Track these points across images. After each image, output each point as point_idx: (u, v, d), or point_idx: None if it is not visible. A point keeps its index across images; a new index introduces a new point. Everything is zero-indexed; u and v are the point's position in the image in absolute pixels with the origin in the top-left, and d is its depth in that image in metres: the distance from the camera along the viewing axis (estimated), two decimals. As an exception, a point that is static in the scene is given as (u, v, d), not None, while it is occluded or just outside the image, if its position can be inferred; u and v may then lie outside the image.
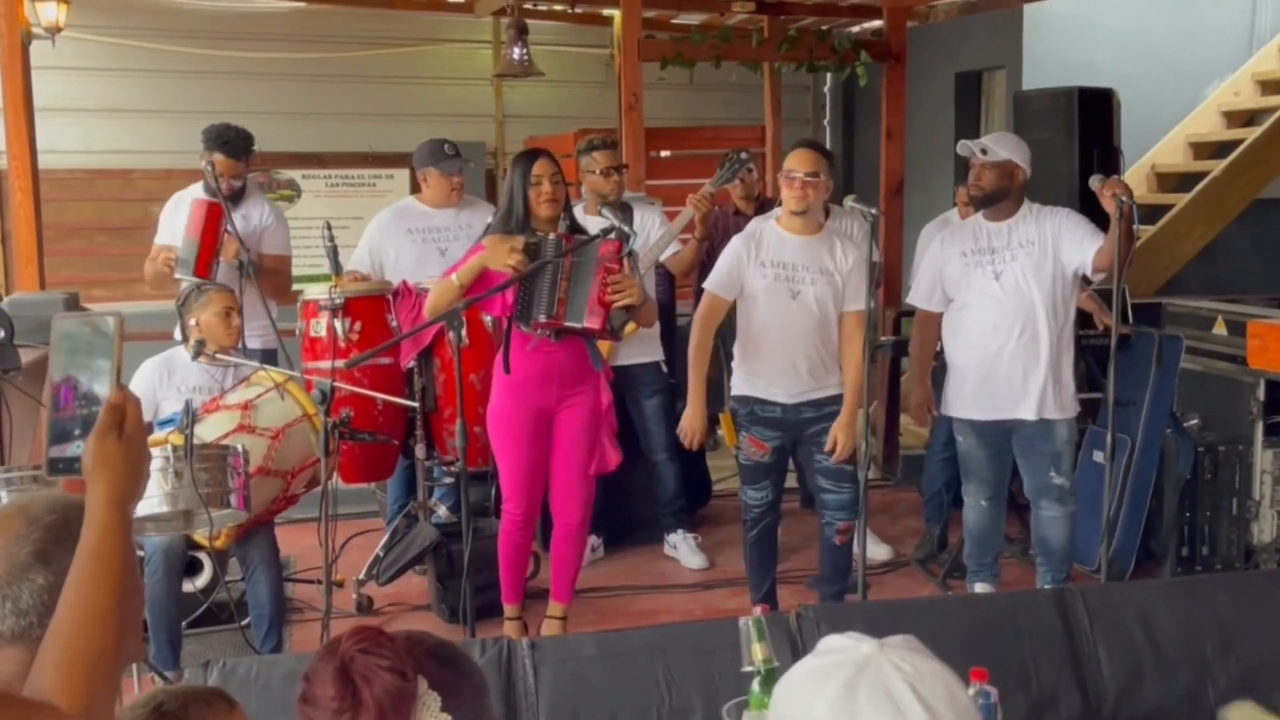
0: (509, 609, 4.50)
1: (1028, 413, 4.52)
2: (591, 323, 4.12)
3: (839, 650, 1.42)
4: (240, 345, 4.60)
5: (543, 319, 4.13)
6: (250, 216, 5.30)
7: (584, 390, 4.33)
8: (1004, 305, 4.49)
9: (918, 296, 4.73)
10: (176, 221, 5.19)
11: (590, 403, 4.34)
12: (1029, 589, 4.67)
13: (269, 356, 5.01)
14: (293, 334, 4.99)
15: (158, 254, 5.23)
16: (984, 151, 4.53)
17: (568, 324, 4.15)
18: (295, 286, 5.64)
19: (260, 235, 5.30)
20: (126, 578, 1.50)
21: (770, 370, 4.42)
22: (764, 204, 5.88)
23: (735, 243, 4.50)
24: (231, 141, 5.16)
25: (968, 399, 4.60)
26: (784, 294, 4.36)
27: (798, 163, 4.38)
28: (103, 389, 1.60)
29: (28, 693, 1.44)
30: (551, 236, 4.13)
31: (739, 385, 4.54)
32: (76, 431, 1.59)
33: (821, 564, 4.65)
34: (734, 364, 4.58)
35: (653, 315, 4.57)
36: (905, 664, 1.38)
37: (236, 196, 5.20)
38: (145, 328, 5.60)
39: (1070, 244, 4.45)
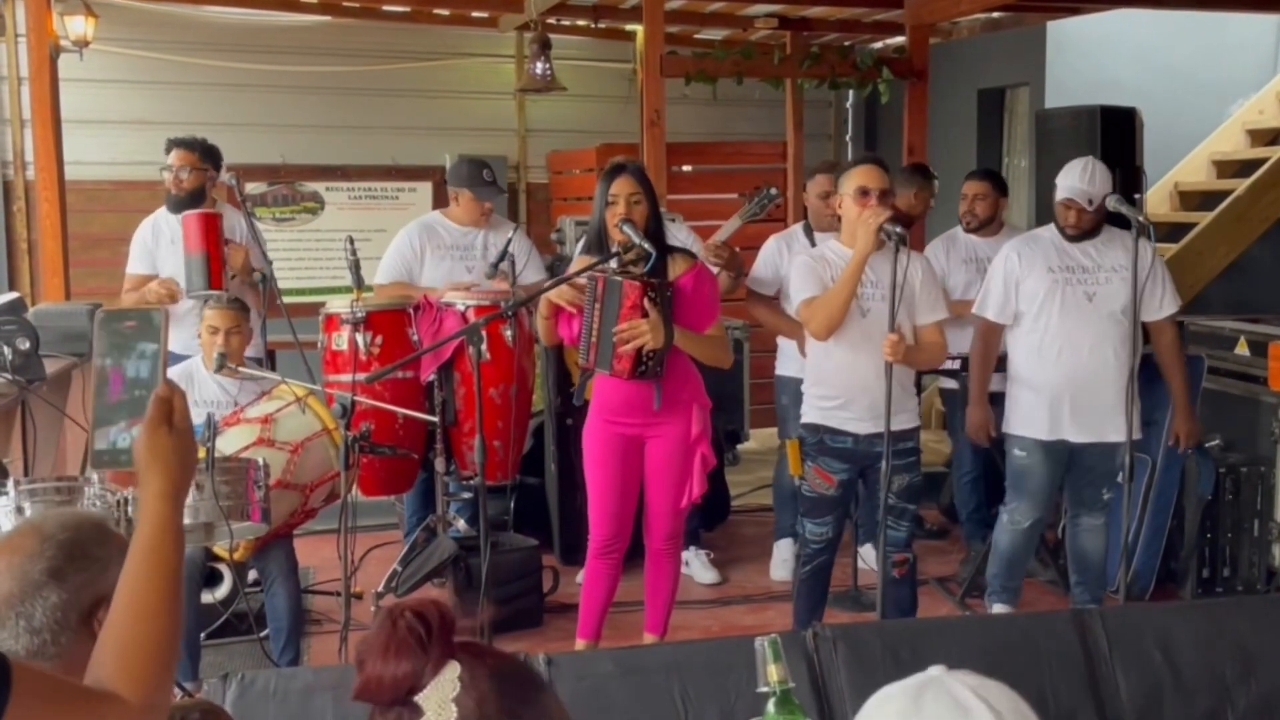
0: (581, 643, 4.34)
1: (1116, 434, 4.48)
2: (619, 368, 4.00)
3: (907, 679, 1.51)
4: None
5: (581, 363, 4.09)
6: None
7: (673, 419, 4.16)
8: (1100, 326, 4.46)
9: (988, 308, 4.63)
10: (159, 252, 5.19)
11: (679, 431, 4.17)
12: (1047, 610, 4.65)
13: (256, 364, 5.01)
14: (314, 347, 5.01)
15: (139, 284, 5.20)
16: (1090, 202, 4.48)
17: (598, 369, 4.07)
18: (317, 299, 5.67)
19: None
20: (180, 569, 1.54)
21: (842, 395, 4.27)
22: None
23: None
24: (187, 140, 5.20)
25: (1053, 421, 4.52)
26: (854, 312, 4.20)
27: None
28: (150, 379, 1.61)
29: (88, 683, 1.47)
30: (589, 275, 4.02)
31: (809, 412, 4.39)
32: (121, 420, 1.61)
33: (882, 601, 4.38)
34: (804, 388, 4.45)
35: (718, 357, 4.29)
36: (971, 679, 1.45)
37: (194, 199, 5.13)
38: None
39: (1152, 296, 4.49)
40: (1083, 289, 4.49)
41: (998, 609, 4.68)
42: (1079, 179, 4.52)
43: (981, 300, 4.69)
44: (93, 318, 5.48)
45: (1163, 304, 4.56)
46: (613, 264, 4.03)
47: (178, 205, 5.15)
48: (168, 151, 5.20)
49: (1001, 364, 4.77)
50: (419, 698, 1.40)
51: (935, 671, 1.48)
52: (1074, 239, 4.55)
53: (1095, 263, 4.52)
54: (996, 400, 4.77)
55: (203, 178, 5.18)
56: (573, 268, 4.16)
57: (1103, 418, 4.50)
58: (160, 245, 5.20)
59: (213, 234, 4.92)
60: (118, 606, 1.50)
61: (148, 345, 1.65)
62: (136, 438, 1.57)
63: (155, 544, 1.53)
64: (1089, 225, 4.53)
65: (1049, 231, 4.65)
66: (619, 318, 3.97)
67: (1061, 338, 4.50)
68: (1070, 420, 4.51)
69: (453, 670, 1.41)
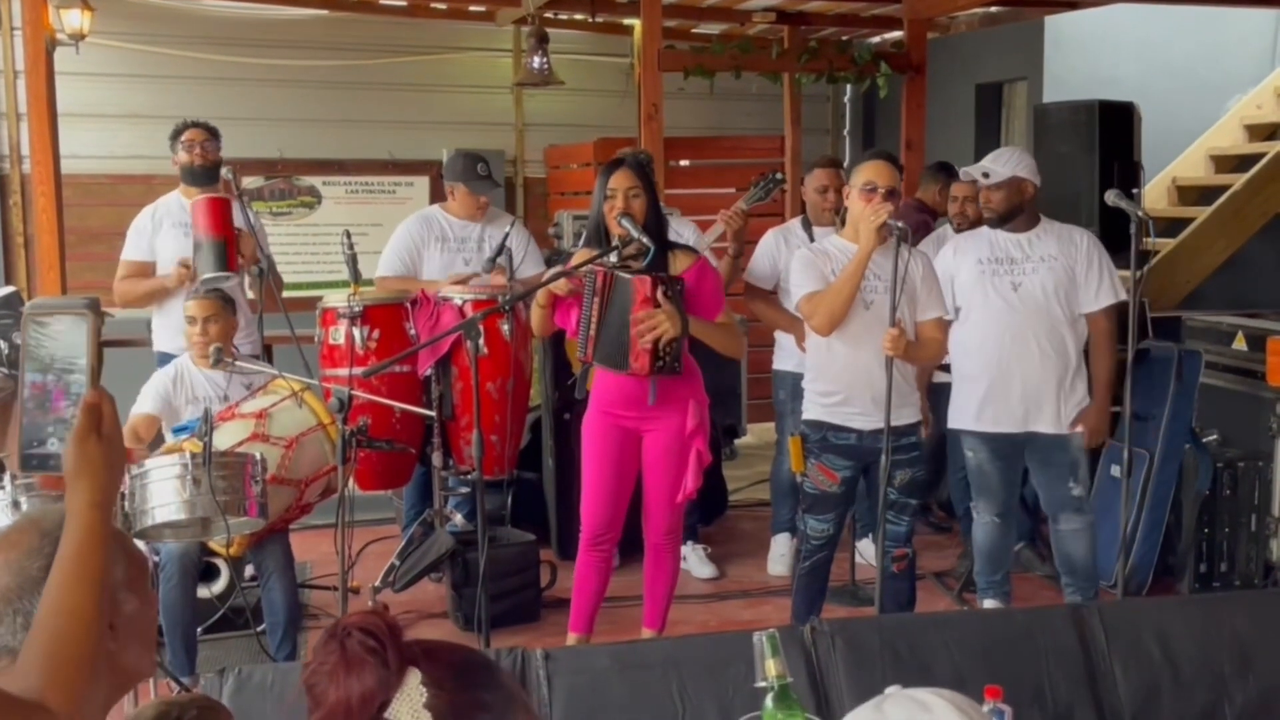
0: (572, 637, 4.32)
1: (1046, 425, 4.51)
2: (637, 366, 3.99)
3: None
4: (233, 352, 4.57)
5: (580, 356, 4.09)
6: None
7: (669, 413, 4.15)
8: (1021, 316, 4.48)
9: None
10: (157, 238, 5.15)
11: (675, 426, 4.16)
12: (1045, 605, 4.65)
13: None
14: (311, 341, 5.00)
15: (134, 271, 5.16)
16: (986, 175, 4.52)
17: (598, 364, 4.06)
18: (313, 294, 5.65)
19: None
20: (106, 579, 1.53)
21: (844, 389, 4.26)
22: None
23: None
24: (199, 121, 5.23)
25: (980, 412, 4.56)
26: (857, 304, 4.18)
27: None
28: (80, 388, 1.60)
29: (16, 691, 1.45)
30: (591, 269, 4.00)
31: (811, 409, 4.37)
32: (50, 429, 1.60)
33: (880, 595, 4.32)
34: (805, 383, 4.43)
35: (732, 344, 4.29)
36: (927, 689, 1.55)
37: (212, 174, 5.12)
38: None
39: (1086, 287, 4.49)
40: (1009, 279, 4.51)
41: (988, 604, 4.69)
42: (986, 159, 4.58)
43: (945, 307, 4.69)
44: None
45: (1099, 295, 4.52)
46: (612, 258, 4.02)
47: (200, 178, 5.14)
48: (179, 134, 5.19)
49: None
50: (389, 713, 1.39)
51: (891, 690, 1.58)
52: (994, 223, 4.56)
53: (1025, 254, 4.53)
54: None
55: (218, 155, 5.20)
56: (574, 260, 4.16)
57: (1029, 408, 4.50)
58: (160, 231, 5.16)
59: (228, 218, 4.91)
60: (44, 615, 1.48)
61: (76, 354, 1.63)
62: (65, 445, 1.56)
63: (83, 552, 1.52)
64: (1000, 206, 4.52)
65: (989, 228, 4.65)
66: (632, 313, 3.95)
67: (984, 328, 4.52)
68: (996, 411, 4.53)
69: (414, 678, 1.40)
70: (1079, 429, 4.55)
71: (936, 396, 4.94)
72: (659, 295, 3.94)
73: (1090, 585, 4.66)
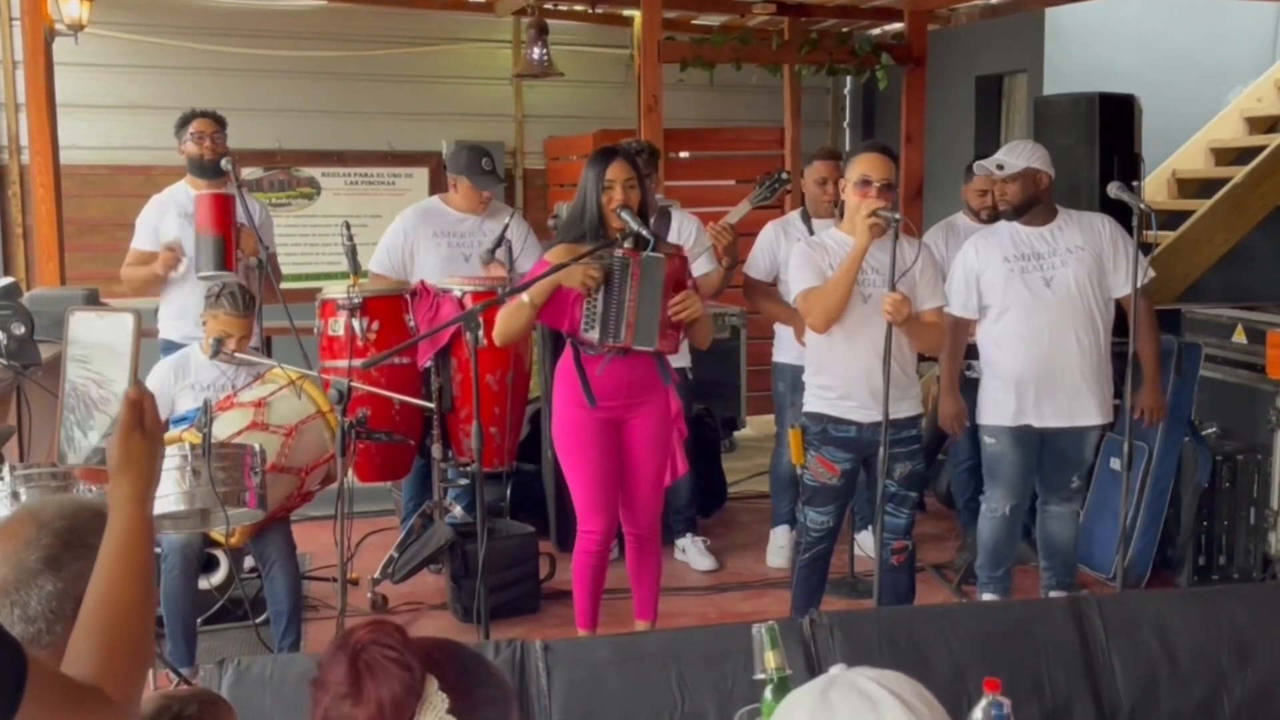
0: (584, 634, 4.31)
1: (1092, 418, 4.53)
2: (664, 346, 4.03)
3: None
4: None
5: (611, 342, 4.00)
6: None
7: (652, 398, 4.16)
8: (1059, 311, 4.47)
9: (953, 305, 4.58)
10: (163, 225, 5.16)
11: (660, 409, 4.17)
12: (1044, 597, 4.65)
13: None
14: (311, 333, 5.00)
15: (142, 259, 5.17)
16: (1000, 167, 4.51)
17: (638, 348, 4.01)
18: (313, 285, 5.65)
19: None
20: (151, 569, 1.58)
21: (843, 382, 4.24)
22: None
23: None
24: (206, 111, 5.22)
25: (1021, 409, 4.53)
26: (855, 298, 4.15)
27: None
28: (121, 385, 1.65)
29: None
30: (619, 254, 3.97)
31: (811, 401, 4.35)
32: (93, 423, 1.65)
33: (878, 587, 4.29)
34: (805, 376, 4.42)
35: (709, 334, 4.34)
36: (871, 672, 1.49)
37: (219, 166, 5.09)
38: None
39: (1117, 272, 4.50)
40: (1039, 274, 4.50)
41: (987, 599, 4.69)
42: (1000, 152, 4.59)
43: (945, 297, 4.67)
44: (87, 303, 5.48)
45: (1130, 277, 4.52)
46: (628, 244, 3.99)
47: (208, 171, 5.12)
48: (185, 124, 5.17)
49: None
50: None
51: (836, 670, 1.53)
52: (1009, 215, 4.56)
53: (1050, 247, 4.52)
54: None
55: (226, 146, 5.19)
56: (558, 252, 4.08)
57: (1070, 401, 4.51)
58: (165, 218, 5.17)
59: (229, 216, 4.91)
60: (93, 606, 1.51)
61: (120, 356, 1.68)
62: (109, 440, 1.60)
63: (129, 545, 1.56)
64: (1015, 198, 4.53)
65: (1006, 223, 4.64)
66: (663, 294, 3.97)
67: (1021, 325, 4.52)
68: (1035, 406, 4.52)
69: (432, 685, 1.41)
70: (1105, 420, 4.59)
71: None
72: (686, 278, 4.02)
73: (1068, 571, 4.69)
